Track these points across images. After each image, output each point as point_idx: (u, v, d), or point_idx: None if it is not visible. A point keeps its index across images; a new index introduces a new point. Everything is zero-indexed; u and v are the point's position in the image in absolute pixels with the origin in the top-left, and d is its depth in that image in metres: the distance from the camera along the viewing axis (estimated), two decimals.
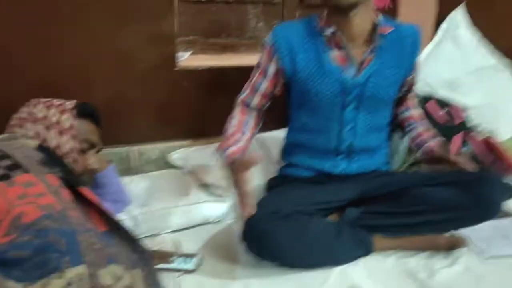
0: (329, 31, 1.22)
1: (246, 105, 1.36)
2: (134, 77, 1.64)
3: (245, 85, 1.37)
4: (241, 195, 1.11)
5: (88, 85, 1.57)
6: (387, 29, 1.24)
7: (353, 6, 1.17)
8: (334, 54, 1.24)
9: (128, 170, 1.71)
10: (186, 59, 1.81)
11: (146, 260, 0.80)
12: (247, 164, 1.12)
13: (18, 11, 1.44)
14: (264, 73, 1.31)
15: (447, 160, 1.26)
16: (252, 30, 2.01)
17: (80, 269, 0.65)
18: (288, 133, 1.41)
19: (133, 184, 1.56)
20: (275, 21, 2.04)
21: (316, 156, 1.34)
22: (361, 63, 1.24)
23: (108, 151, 1.57)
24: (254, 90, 1.34)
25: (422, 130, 1.39)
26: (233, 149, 1.23)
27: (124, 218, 1.33)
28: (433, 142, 1.34)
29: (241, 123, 1.32)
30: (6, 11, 1.42)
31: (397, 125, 1.47)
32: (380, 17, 1.25)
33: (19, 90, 1.45)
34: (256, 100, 1.34)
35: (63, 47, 1.52)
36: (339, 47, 1.24)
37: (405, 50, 1.28)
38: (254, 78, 1.34)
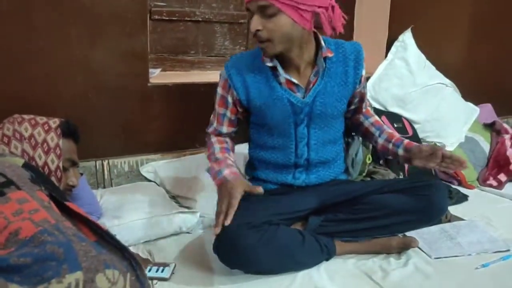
0: (269, 64, 1.33)
1: (218, 134, 1.46)
2: (106, 92, 1.68)
3: (211, 118, 1.46)
4: (219, 213, 1.21)
5: (61, 99, 1.60)
6: (330, 52, 1.35)
7: (282, 52, 1.29)
8: (283, 80, 1.35)
9: (99, 183, 1.74)
10: (156, 75, 1.87)
11: (135, 265, 0.85)
12: (247, 188, 1.24)
13: None
14: (225, 103, 1.41)
15: (435, 151, 1.32)
16: (219, 48, 2.10)
17: (78, 275, 0.69)
18: (251, 150, 1.51)
19: (105, 197, 1.59)
20: (240, 39, 2.15)
21: (278, 170, 1.45)
22: (308, 84, 1.36)
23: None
24: (221, 120, 1.44)
25: (390, 132, 1.50)
26: (227, 171, 1.31)
27: None
28: (407, 141, 1.44)
29: (223, 149, 1.41)
30: None
31: (362, 133, 1.57)
32: (322, 43, 1.34)
33: None
34: (225, 129, 1.44)
35: (36, 62, 1.54)
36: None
37: (349, 67, 1.39)
38: (217, 110, 1.44)
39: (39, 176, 0.95)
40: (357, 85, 1.42)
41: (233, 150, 1.47)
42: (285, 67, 1.34)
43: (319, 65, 1.34)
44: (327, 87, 1.36)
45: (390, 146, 1.46)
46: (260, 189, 1.26)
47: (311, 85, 1.35)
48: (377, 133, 1.51)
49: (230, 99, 1.40)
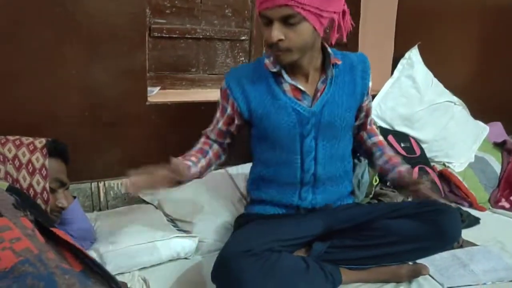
0: (274, 69, 1.27)
1: (208, 137, 1.41)
2: (103, 112, 1.63)
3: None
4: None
5: (55, 119, 1.55)
6: (337, 60, 1.30)
7: (295, 61, 1.23)
8: (287, 87, 1.28)
9: (94, 206, 1.68)
10: (155, 94, 1.83)
11: None
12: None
13: None
14: (223, 112, 1.36)
15: (415, 187, 1.30)
16: (220, 65, 2.06)
17: None
18: (253, 168, 1.44)
19: (100, 220, 1.53)
20: (242, 57, 2.11)
21: (283, 190, 1.37)
22: (315, 92, 1.30)
23: (73, 186, 1.55)
24: (214, 126, 1.39)
25: (391, 155, 1.44)
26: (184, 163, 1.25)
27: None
28: (403, 168, 1.38)
29: (201, 151, 1.36)
30: None
31: (364, 152, 1.51)
32: (329, 50, 1.30)
33: None
34: (213, 136, 1.39)
35: (30, 81, 1.50)
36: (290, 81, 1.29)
37: (356, 77, 1.33)
38: (217, 114, 1.39)
39: (24, 200, 0.92)
40: (365, 96, 1.36)
41: (216, 156, 1.39)
42: (291, 73, 1.28)
43: (328, 72, 1.28)
44: (335, 96, 1.30)
45: (387, 166, 1.40)
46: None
47: (319, 93, 1.28)
48: (377, 154, 1.45)
49: (229, 110, 1.34)
